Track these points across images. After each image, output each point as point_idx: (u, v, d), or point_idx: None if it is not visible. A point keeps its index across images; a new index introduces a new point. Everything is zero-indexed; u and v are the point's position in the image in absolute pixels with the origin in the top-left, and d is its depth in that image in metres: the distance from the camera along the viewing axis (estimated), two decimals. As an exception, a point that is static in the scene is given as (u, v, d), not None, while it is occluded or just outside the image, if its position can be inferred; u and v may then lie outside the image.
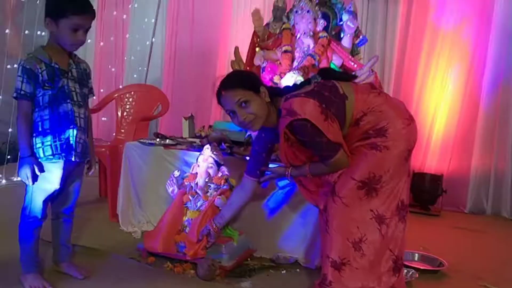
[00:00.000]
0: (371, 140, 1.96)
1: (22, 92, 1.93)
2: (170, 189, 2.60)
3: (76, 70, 2.08)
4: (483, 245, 3.53)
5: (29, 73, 1.93)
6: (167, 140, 3.10)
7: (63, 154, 2.00)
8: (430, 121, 4.69)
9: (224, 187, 2.53)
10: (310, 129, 1.87)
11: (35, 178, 1.96)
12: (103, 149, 3.36)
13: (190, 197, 2.53)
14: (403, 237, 2.05)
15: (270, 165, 2.28)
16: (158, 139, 3.09)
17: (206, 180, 2.54)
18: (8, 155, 4.47)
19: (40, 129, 1.98)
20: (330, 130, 1.88)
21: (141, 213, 2.99)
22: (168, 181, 2.62)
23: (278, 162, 2.40)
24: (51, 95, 1.98)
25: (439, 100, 4.69)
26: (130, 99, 4.10)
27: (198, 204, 2.50)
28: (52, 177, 2.02)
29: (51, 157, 1.99)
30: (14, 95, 1.94)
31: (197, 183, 2.55)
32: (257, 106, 2.01)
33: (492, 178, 4.58)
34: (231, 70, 3.53)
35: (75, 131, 2.02)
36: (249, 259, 2.57)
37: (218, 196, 2.47)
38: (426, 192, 4.44)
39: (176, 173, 2.64)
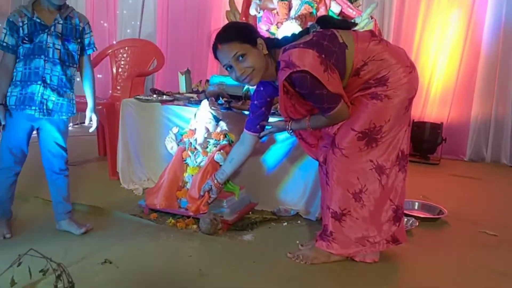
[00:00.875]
0: (372, 89, 1.91)
1: (4, 44, 2.00)
2: (169, 146, 2.58)
3: (62, 26, 2.07)
4: (483, 192, 3.56)
5: (11, 26, 2.00)
6: (164, 96, 3.05)
7: (21, 107, 2.04)
8: (430, 69, 4.64)
9: (223, 142, 2.51)
10: (310, 81, 1.82)
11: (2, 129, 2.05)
12: (100, 107, 3.30)
13: (190, 153, 2.51)
14: (403, 187, 2.04)
15: (270, 119, 2.25)
16: (155, 95, 3.05)
17: (205, 135, 2.52)
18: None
19: (13, 79, 2.05)
20: (330, 81, 1.83)
21: (141, 170, 2.99)
22: (167, 138, 2.59)
23: (278, 116, 2.38)
24: (28, 48, 2.02)
25: (440, 48, 4.62)
26: (125, 55, 4.02)
27: (198, 160, 2.49)
28: (15, 125, 2.07)
29: (14, 107, 2.04)
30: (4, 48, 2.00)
31: (196, 139, 2.53)
32: (255, 59, 1.94)
33: (492, 125, 4.58)
34: (226, 21, 3.44)
35: (41, 88, 2.05)
36: (250, 212, 2.59)
37: (217, 152, 2.45)
38: (426, 141, 4.45)
39: (175, 130, 2.62)
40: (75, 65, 2.15)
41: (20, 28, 2.00)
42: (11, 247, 1.96)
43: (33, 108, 2.04)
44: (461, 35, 4.53)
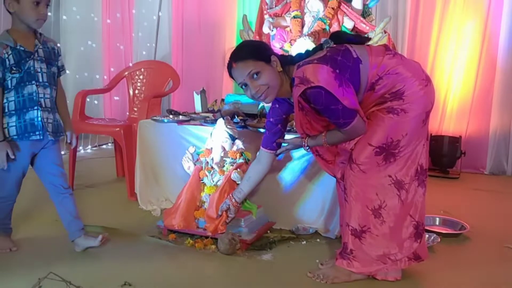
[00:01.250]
0: (388, 104, 1.90)
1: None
2: (186, 166, 2.59)
3: (43, 50, 2.12)
4: (505, 206, 3.49)
5: None
6: (180, 116, 3.07)
7: (26, 135, 2.06)
8: (446, 82, 4.60)
9: (240, 161, 2.51)
10: (325, 97, 1.82)
11: (9, 160, 2.06)
12: (118, 129, 3.35)
13: (207, 173, 2.52)
14: (423, 202, 2.01)
15: (286, 136, 2.25)
16: (171, 116, 3.07)
17: (222, 154, 2.52)
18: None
19: (6, 110, 2.05)
20: (345, 96, 1.82)
21: (159, 191, 2.99)
22: (184, 158, 2.60)
23: (294, 133, 2.38)
24: (18, 77, 2.04)
25: (455, 60, 4.58)
26: (141, 77, 4.07)
27: (215, 179, 2.49)
28: (19, 155, 2.09)
29: (16, 136, 2.06)
30: None
31: (212, 158, 2.53)
32: (269, 77, 1.95)
33: (511, 138, 4.50)
34: (240, 40, 3.47)
35: (39, 112, 2.08)
36: (268, 231, 2.57)
37: (234, 170, 2.45)
38: (445, 155, 4.39)
39: (191, 149, 2.62)
40: (55, 87, 2.20)
41: (6, 60, 2.01)
42: (30, 270, 1.96)
43: (37, 133, 2.08)
44: (477, 47, 4.49)
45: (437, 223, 2.85)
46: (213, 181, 2.50)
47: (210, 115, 3.09)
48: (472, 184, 4.08)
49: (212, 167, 2.52)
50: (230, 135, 2.56)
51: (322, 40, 2.02)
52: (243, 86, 2.00)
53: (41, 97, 2.09)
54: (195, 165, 2.57)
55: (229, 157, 2.52)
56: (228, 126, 2.57)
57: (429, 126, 2.05)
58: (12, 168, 2.10)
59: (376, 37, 3.12)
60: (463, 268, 2.23)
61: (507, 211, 3.32)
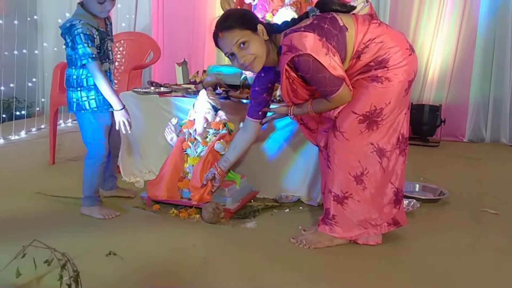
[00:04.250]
0: (372, 72, 1.91)
1: (94, 55, 2.17)
2: (169, 137, 2.59)
3: (110, 29, 2.34)
4: (483, 172, 3.58)
5: (91, 38, 2.16)
6: (162, 88, 3.05)
7: (105, 107, 2.29)
8: (427, 51, 4.63)
9: (223, 131, 2.51)
10: (312, 64, 1.82)
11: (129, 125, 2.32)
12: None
13: (190, 144, 2.52)
14: (403, 170, 2.06)
15: (271, 106, 2.25)
16: (152, 87, 3.04)
17: (204, 125, 2.52)
18: (3, 114, 4.42)
19: (85, 84, 2.25)
20: (331, 64, 1.83)
21: (142, 163, 2.99)
22: (166, 129, 2.60)
23: (276, 104, 2.39)
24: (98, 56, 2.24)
25: (436, 29, 4.61)
26: (121, 48, 4.01)
27: (198, 150, 2.50)
28: (99, 124, 2.32)
29: (96, 109, 2.28)
30: (89, 60, 2.15)
31: (195, 129, 2.53)
32: (257, 46, 1.94)
33: (490, 106, 4.60)
34: (221, 11, 3.42)
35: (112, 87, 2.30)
36: (252, 200, 2.60)
37: (217, 141, 2.46)
38: (425, 124, 4.46)
39: (174, 121, 2.62)
40: None
41: (95, 39, 2.20)
42: (15, 240, 1.95)
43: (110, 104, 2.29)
44: (458, 17, 4.52)
45: (417, 189, 2.92)
46: (196, 152, 2.51)
47: (192, 86, 3.08)
48: (451, 152, 4.17)
49: (195, 138, 2.53)
50: (213, 106, 2.56)
51: (308, 8, 2.01)
52: (230, 56, 1.98)
53: (111, 74, 2.38)
54: (178, 136, 2.57)
55: (212, 128, 2.52)
56: (211, 97, 2.57)
57: (410, 95, 2.08)
58: (98, 133, 2.34)
59: (358, 7, 3.10)
60: (442, 232, 2.30)
61: (485, 177, 3.41)
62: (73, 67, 2.26)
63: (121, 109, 2.28)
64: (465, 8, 4.50)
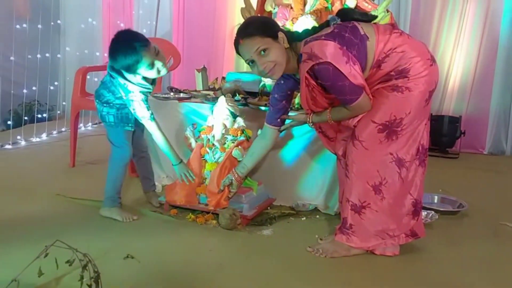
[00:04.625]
0: (393, 81, 1.91)
1: (151, 117, 2.35)
2: (187, 143, 2.61)
3: None
4: (503, 185, 3.52)
5: (146, 101, 2.36)
6: (181, 94, 3.07)
7: (121, 124, 2.42)
8: (448, 62, 4.59)
9: (241, 138, 2.52)
10: (332, 73, 1.82)
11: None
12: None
13: (208, 150, 2.53)
14: (422, 181, 2.04)
15: (290, 113, 2.26)
16: (172, 93, 3.07)
17: (223, 132, 2.54)
18: (25, 117, 4.51)
19: (111, 104, 2.40)
20: (352, 72, 1.83)
21: (160, 168, 3.01)
22: (185, 135, 2.62)
23: (294, 111, 2.39)
24: None
25: (457, 39, 4.57)
26: (141, 54, 4.04)
27: (216, 156, 2.51)
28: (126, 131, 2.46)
29: (113, 124, 2.42)
30: (148, 121, 2.35)
31: (214, 135, 2.55)
32: (277, 53, 1.95)
33: (511, 118, 4.51)
34: (241, 18, 3.45)
35: None
36: (269, 208, 2.60)
37: (235, 147, 2.47)
38: (444, 135, 4.41)
39: (193, 127, 2.64)
40: None
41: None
42: (35, 241, 1.99)
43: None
44: (479, 27, 4.47)
45: (436, 201, 2.88)
46: (214, 158, 2.52)
47: (211, 93, 3.10)
48: (471, 164, 4.11)
49: (213, 144, 2.54)
50: (232, 113, 2.57)
51: (329, 17, 2.02)
52: (250, 63, 2.00)
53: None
54: (196, 142, 2.59)
55: (230, 135, 2.53)
56: (230, 104, 2.58)
57: (430, 105, 2.06)
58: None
59: (379, 16, 3.10)
60: (460, 244, 2.27)
61: (504, 190, 3.36)
62: (109, 93, 2.39)
63: (178, 163, 2.44)
64: (487, 19, 4.45)
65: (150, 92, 2.43)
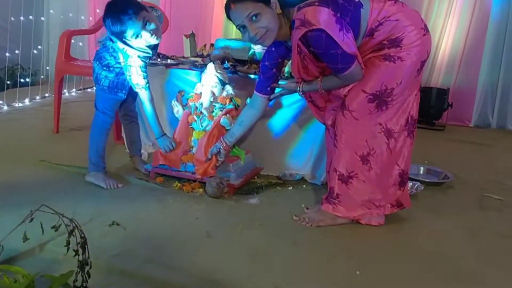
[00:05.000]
0: (385, 51, 1.88)
1: (146, 85, 2.34)
2: (175, 110, 2.57)
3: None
4: (488, 157, 3.56)
5: (143, 68, 2.33)
6: (168, 60, 3.01)
7: (115, 90, 2.39)
8: (438, 34, 4.57)
9: (229, 106, 2.49)
10: (325, 40, 1.78)
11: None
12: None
13: (196, 118, 2.50)
14: (410, 152, 2.04)
15: (280, 82, 2.22)
16: (159, 59, 3.00)
17: (211, 99, 2.50)
18: (7, 81, 4.40)
19: (110, 68, 2.36)
20: (345, 40, 1.80)
21: (146, 135, 2.98)
22: (172, 102, 2.58)
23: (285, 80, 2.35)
24: None
25: (449, 11, 4.53)
26: (128, 19, 3.94)
27: (204, 124, 2.48)
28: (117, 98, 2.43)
29: (106, 88, 2.38)
30: (141, 89, 2.33)
31: (201, 103, 2.51)
32: (269, 19, 1.90)
33: (498, 92, 4.55)
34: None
35: None
36: (256, 177, 2.60)
37: (223, 116, 2.44)
38: (432, 107, 4.42)
39: (180, 94, 2.59)
40: None
41: (146, 67, 2.38)
42: (19, 207, 1.96)
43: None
44: (471, 1, 4.44)
45: (421, 172, 2.90)
46: (202, 126, 2.49)
47: (199, 59, 3.04)
48: (457, 136, 4.14)
49: (201, 112, 2.51)
50: (220, 80, 2.53)
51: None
52: (241, 29, 1.94)
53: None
54: (184, 109, 2.55)
55: (218, 103, 2.50)
56: (218, 71, 2.53)
57: (422, 76, 2.05)
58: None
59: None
60: (445, 216, 2.30)
61: (490, 162, 3.39)
62: (111, 57, 2.35)
63: (162, 136, 2.45)
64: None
65: (149, 58, 2.39)
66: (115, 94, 2.39)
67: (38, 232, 1.39)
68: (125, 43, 2.25)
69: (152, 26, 2.23)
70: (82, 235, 1.28)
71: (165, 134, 2.48)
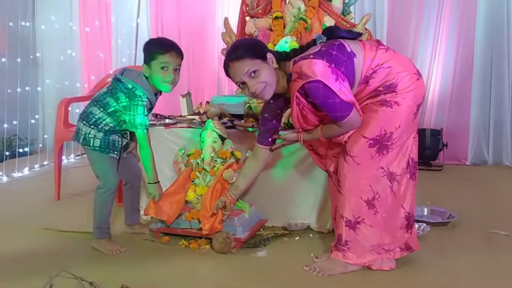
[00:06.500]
0: (381, 96, 1.94)
1: (148, 126, 2.32)
2: (176, 168, 2.59)
3: (156, 99, 2.43)
4: (489, 194, 3.58)
5: (148, 111, 2.33)
6: (166, 120, 3.07)
7: (107, 150, 2.35)
8: (426, 76, 4.70)
9: (230, 160, 2.52)
10: (323, 90, 1.84)
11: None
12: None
13: (198, 174, 2.52)
14: (413, 193, 2.06)
15: (280, 133, 2.27)
16: (156, 119, 3.06)
17: (212, 155, 2.53)
18: (6, 152, 4.42)
19: (99, 126, 2.32)
20: (341, 89, 1.86)
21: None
22: (174, 160, 2.60)
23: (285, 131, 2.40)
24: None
25: (434, 55, 4.69)
26: (123, 83, 4.03)
27: (206, 179, 2.49)
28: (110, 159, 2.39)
29: (97, 149, 2.33)
30: (144, 130, 2.28)
31: (203, 159, 2.54)
32: (267, 74, 1.97)
33: (491, 128, 4.63)
34: (221, 43, 3.50)
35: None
36: (262, 229, 2.58)
37: (225, 170, 2.46)
38: (427, 148, 4.48)
39: (181, 152, 2.63)
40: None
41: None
42: (29, 276, 1.94)
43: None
44: (454, 41, 4.62)
45: (426, 213, 2.91)
46: (204, 182, 2.50)
47: (197, 117, 3.10)
48: (455, 175, 4.18)
49: (203, 168, 2.53)
50: (220, 136, 2.57)
51: (315, 35, 2.05)
52: (241, 85, 2.01)
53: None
54: (186, 166, 2.57)
55: (219, 157, 2.53)
56: (217, 127, 2.58)
57: (418, 119, 2.10)
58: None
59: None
60: (455, 255, 2.28)
61: (491, 199, 3.41)
62: (100, 109, 2.32)
63: (155, 183, 2.40)
64: (461, 32, 4.60)
65: (152, 108, 2.41)
66: (108, 154, 2.34)
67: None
68: (136, 84, 2.27)
69: (176, 77, 2.31)
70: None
71: (159, 182, 2.43)
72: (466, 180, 4.00)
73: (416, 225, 2.48)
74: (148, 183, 2.42)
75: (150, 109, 2.39)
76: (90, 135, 2.32)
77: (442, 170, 4.40)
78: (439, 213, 2.87)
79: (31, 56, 4.78)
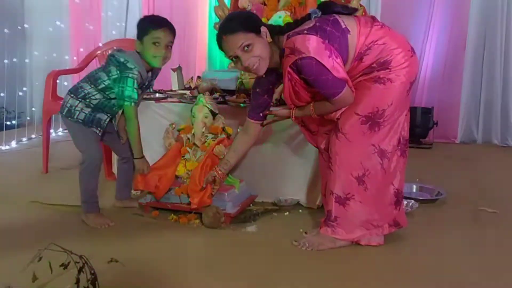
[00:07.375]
0: (374, 73, 1.92)
1: (137, 101, 2.28)
2: (167, 143, 2.57)
3: (152, 79, 2.44)
4: (478, 172, 3.62)
5: (138, 86, 2.28)
6: (157, 94, 3.03)
7: (89, 124, 2.32)
8: (418, 54, 4.66)
9: (221, 136, 2.50)
10: (315, 67, 1.82)
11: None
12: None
13: (188, 149, 2.50)
14: (403, 171, 2.07)
15: (272, 108, 2.25)
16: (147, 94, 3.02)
17: (203, 130, 2.51)
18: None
19: (87, 101, 2.30)
20: (334, 66, 1.83)
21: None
22: (164, 135, 2.58)
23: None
24: None
25: (427, 33, 4.67)
26: (113, 56, 3.96)
27: (197, 155, 2.48)
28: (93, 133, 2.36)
29: (81, 121, 2.30)
30: (132, 104, 2.24)
31: (193, 134, 2.52)
32: (261, 48, 1.94)
33: (481, 107, 4.65)
34: (213, 17, 3.44)
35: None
36: (251, 204, 2.59)
37: (216, 145, 2.44)
38: (418, 126, 4.50)
39: (171, 126, 2.60)
40: None
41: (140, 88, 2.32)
42: (16, 248, 1.93)
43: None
44: (448, 18, 4.59)
45: (414, 190, 2.93)
46: (195, 157, 2.49)
47: (188, 92, 3.07)
48: (444, 153, 4.21)
49: (193, 143, 2.51)
50: (211, 111, 2.54)
51: (310, 10, 2.01)
52: (233, 59, 1.98)
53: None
54: (176, 141, 2.55)
55: (210, 133, 2.51)
56: (209, 102, 2.55)
57: (411, 96, 2.09)
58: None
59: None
60: (442, 232, 2.31)
61: (480, 177, 3.45)
62: (91, 85, 2.30)
63: (140, 158, 2.38)
64: (455, 10, 4.57)
65: (145, 86, 2.40)
66: (89, 127, 2.31)
67: (44, 272, 1.36)
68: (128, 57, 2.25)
69: (168, 54, 2.29)
70: (92, 272, 1.26)
71: (144, 157, 2.41)
72: (455, 158, 4.03)
73: (405, 202, 2.50)
74: (134, 158, 2.40)
75: (142, 87, 2.36)
76: (77, 108, 2.29)
77: (432, 148, 4.43)
78: (428, 190, 2.90)
79: (19, 27, 4.69)
